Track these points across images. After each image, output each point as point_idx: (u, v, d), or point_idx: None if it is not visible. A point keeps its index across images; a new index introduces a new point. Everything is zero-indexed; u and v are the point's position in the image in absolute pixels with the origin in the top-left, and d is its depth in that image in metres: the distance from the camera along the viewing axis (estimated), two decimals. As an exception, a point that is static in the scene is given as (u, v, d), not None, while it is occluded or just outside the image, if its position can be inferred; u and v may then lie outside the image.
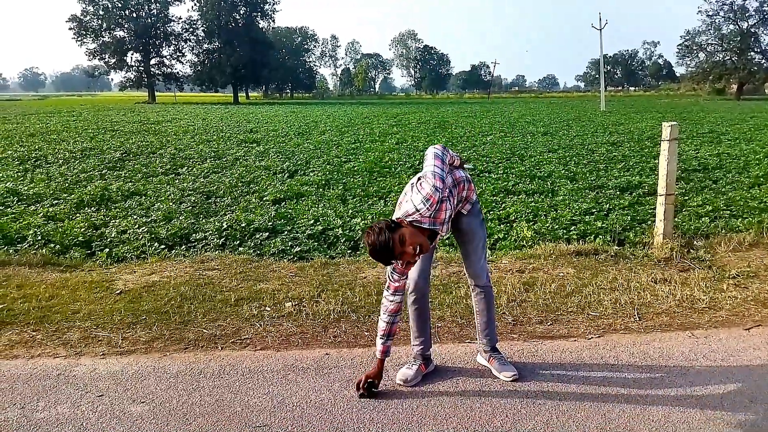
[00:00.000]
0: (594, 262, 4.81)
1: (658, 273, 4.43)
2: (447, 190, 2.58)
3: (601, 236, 6.08)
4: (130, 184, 9.63)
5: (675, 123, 5.35)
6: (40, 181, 9.83)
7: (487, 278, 2.96)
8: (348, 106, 49.84)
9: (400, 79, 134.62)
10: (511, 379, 2.84)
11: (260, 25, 67.01)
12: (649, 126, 21.78)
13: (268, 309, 3.70)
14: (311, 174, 10.88)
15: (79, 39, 59.90)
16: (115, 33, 60.97)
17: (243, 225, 6.71)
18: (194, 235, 6.38)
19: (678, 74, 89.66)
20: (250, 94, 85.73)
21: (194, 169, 11.47)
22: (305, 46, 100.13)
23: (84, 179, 10.17)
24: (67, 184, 9.57)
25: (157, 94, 66.99)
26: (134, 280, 4.34)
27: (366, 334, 3.39)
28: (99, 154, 13.79)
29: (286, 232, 6.54)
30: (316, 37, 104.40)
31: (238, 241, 6.13)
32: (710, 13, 57.30)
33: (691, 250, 5.18)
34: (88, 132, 19.78)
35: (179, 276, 4.41)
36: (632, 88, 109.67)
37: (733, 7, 56.23)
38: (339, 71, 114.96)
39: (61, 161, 12.55)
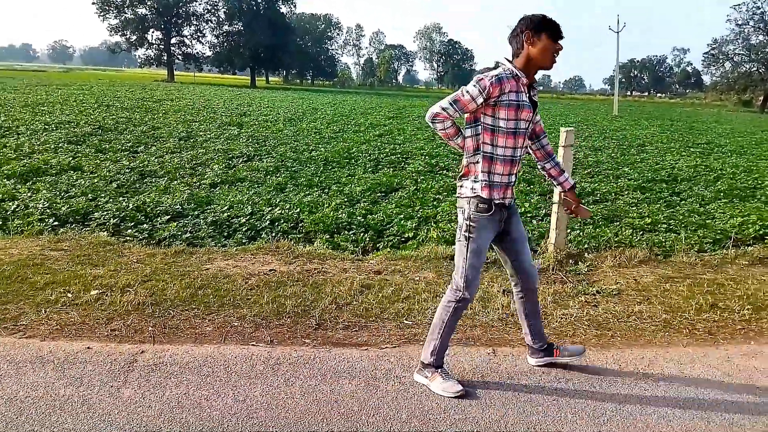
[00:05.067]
0: (463, 269, 4.56)
1: (516, 284, 4.16)
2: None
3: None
4: (75, 158, 9.56)
5: (572, 128, 5.06)
6: (-11, 151, 9.83)
7: None
8: (364, 95, 49.57)
9: (423, 72, 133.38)
10: (581, 355, 2.99)
11: (281, 10, 66.87)
12: (650, 133, 21.20)
13: (70, 295, 3.55)
14: (266, 160, 10.73)
15: (102, 14, 60.38)
16: (137, 10, 61.34)
17: (150, 207, 6.58)
18: (94, 213, 6.27)
19: (706, 83, 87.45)
20: (270, 79, 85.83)
21: (153, 148, 11.40)
22: (328, 34, 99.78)
23: (37, 151, 10.15)
24: (15, 156, 9.54)
25: (178, 73, 67.38)
26: (-30, 256, 4.22)
27: (150, 329, 3.22)
28: (73, 127, 13.78)
29: (190, 217, 6.40)
30: (339, 25, 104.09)
31: (133, 223, 6.00)
32: (739, 22, 55.63)
33: (580, 263, 4.90)
34: (82, 106, 19.83)
35: (18, 254, 4.29)
36: (659, 95, 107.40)
37: (763, 17, 54.47)
38: (362, 61, 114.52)
39: (30, 132, 12.56)
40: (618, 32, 36.77)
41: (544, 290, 4.08)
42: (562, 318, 3.64)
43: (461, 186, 2.72)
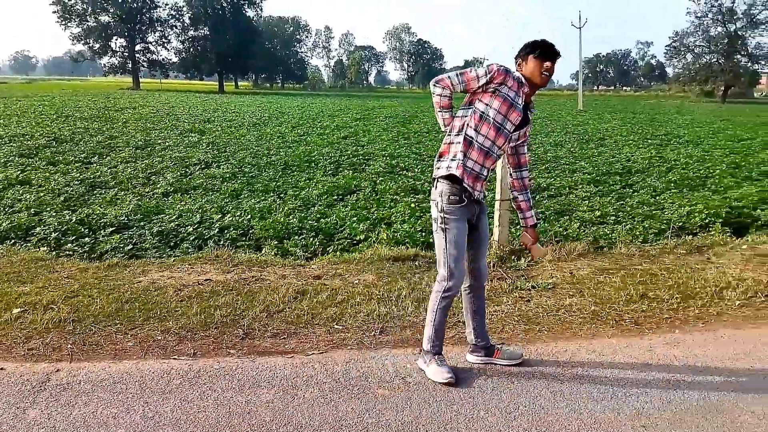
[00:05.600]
0: (404, 269, 4.57)
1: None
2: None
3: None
4: (24, 172, 9.32)
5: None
6: (-68, 168, 9.52)
7: None
8: (334, 98, 49.35)
9: (394, 72, 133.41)
10: (519, 361, 3.03)
11: (248, 14, 66.30)
12: (611, 127, 21.54)
13: (-10, 315, 3.46)
14: (224, 166, 10.61)
15: (64, 22, 59.10)
16: (100, 18, 60.14)
17: (94, 219, 6.45)
18: (36, 228, 6.11)
19: (670, 75, 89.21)
20: (240, 83, 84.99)
21: (108, 158, 11.19)
22: (297, 36, 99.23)
23: (-16, 166, 9.85)
24: (-39, 172, 9.25)
25: (144, 80, 66.26)
26: None
27: (69, 347, 3.14)
28: (27, 140, 13.42)
29: (135, 228, 6.28)
30: (308, 27, 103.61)
31: (75, 237, 5.87)
32: (699, 15, 56.95)
33: (522, 258, 4.94)
34: (40, 117, 19.32)
35: (-58, 274, 4.15)
36: (625, 88, 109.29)
37: (721, 9, 55.84)
38: (332, 63, 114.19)
39: (-20, 147, 12.18)
40: (580, 28, 37.33)
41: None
42: (493, 314, 3.66)
43: (438, 168, 2.85)
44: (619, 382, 2.84)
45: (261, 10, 69.01)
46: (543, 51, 2.77)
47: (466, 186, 2.74)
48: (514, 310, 3.75)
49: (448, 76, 2.76)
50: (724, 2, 55.66)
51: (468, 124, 2.76)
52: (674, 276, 4.36)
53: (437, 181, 2.83)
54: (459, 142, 2.77)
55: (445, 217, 2.78)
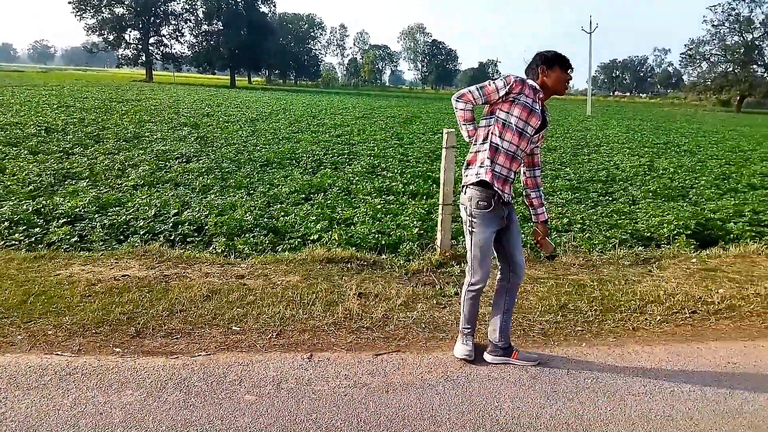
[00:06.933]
0: (333, 271, 4.50)
1: (377, 287, 4.11)
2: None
3: (412, 243, 5.78)
4: (2, 161, 9.38)
5: (453, 130, 5.01)
6: None
7: None
8: (344, 96, 49.34)
9: (408, 72, 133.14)
10: (536, 363, 3.11)
11: (262, 10, 66.54)
12: (612, 134, 21.30)
13: None
14: (204, 161, 10.60)
15: (79, 13, 59.74)
16: (114, 9, 60.75)
17: (49, 209, 6.46)
18: (-12, 217, 6.12)
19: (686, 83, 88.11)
20: (253, 79, 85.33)
21: (91, 149, 11.23)
22: (311, 34, 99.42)
23: (-34, 153, 9.94)
24: (-61, 158, 9.34)
25: (158, 73, 66.81)
26: None
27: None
28: (19, 128, 13.54)
29: (88, 220, 6.27)
30: (323, 25, 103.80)
31: (26, 226, 5.87)
32: (715, 23, 56.22)
33: (462, 264, 4.85)
34: (41, 107, 19.49)
35: None
36: (641, 95, 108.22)
37: (738, 18, 55.05)
38: (346, 61, 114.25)
39: (-30, 134, 12.29)
40: (590, 33, 36.95)
41: (400, 292, 4.02)
42: (402, 320, 3.58)
43: (466, 175, 3.02)
44: (484, 394, 2.76)
45: (275, 6, 69.47)
46: (565, 63, 3.00)
47: (496, 189, 2.89)
48: (424, 317, 3.66)
49: (470, 91, 2.94)
50: (741, 11, 54.93)
51: (492, 133, 2.92)
52: (603, 287, 4.25)
53: (467, 187, 2.99)
54: (485, 150, 2.93)
55: (472, 221, 2.96)
